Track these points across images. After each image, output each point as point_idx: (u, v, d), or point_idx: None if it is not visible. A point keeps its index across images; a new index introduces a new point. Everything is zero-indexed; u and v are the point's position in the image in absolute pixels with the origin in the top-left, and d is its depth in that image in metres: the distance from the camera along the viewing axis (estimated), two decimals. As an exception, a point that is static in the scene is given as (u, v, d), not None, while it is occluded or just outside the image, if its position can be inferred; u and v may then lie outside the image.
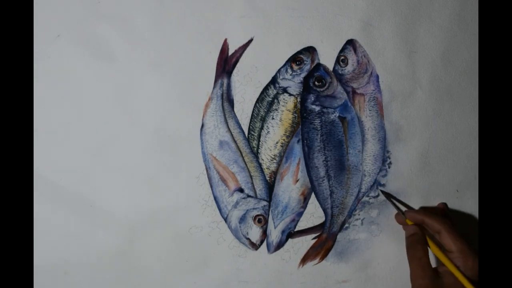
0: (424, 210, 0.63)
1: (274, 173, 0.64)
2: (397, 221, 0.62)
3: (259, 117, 0.64)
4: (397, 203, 0.62)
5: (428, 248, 0.57)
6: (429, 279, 0.53)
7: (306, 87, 0.63)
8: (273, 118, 0.63)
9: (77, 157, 0.62)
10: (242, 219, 0.63)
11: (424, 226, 0.59)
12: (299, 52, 0.63)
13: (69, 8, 0.62)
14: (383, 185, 0.64)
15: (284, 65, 0.63)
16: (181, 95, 0.63)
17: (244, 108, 0.63)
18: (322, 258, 0.63)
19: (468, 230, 0.63)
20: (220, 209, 0.63)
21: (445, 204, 0.64)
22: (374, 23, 0.64)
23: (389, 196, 0.63)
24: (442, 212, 0.63)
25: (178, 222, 0.62)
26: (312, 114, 0.63)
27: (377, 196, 0.64)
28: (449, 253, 0.55)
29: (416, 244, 0.57)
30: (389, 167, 0.64)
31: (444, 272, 0.54)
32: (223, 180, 0.63)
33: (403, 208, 0.62)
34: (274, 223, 0.63)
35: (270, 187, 0.64)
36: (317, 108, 0.63)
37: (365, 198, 0.64)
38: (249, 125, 0.64)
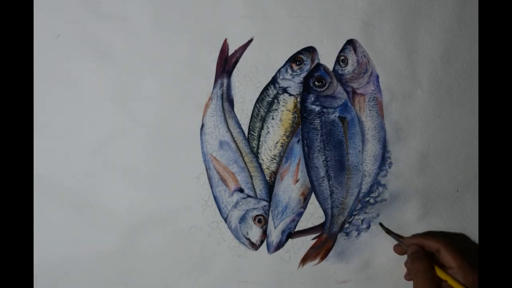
0: (419, 235, 0.63)
1: (274, 173, 0.64)
2: (396, 253, 0.62)
3: (259, 117, 0.63)
4: (395, 237, 0.62)
5: None
6: None
7: (306, 87, 0.63)
8: (273, 118, 0.63)
9: (77, 157, 0.62)
10: (242, 219, 0.63)
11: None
12: (299, 52, 0.63)
13: (69, 8, 0.62)
14: (383, 185, 0.64)
15: (284, 65, 0.63)
16: (181, 95, 0.63)
17: (244, 108, 0.63)
18: (322, 258, 0.63)
19: (468, 230, 0.63)
20: (220, 209, 0.63)
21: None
22: (374, 23, 0.64)
23: (388, 231, 0.62)
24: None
25: (178, 222, 0.62)
26: (312, 114, 0.63)
27: (377, 196, 0.64)
28: (449, 270, 0.55)
29: (422, 258, 0.57)
30: (389, 167, 0.64)
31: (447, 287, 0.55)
32: (223, 180, 0.63)
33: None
34: (274, 223, 0.63)
35: (270, 187, 0.64)
36: (317, 108, 0.63)
37: (365, 198, 0.64)
38: (249, 125, 0.63)
